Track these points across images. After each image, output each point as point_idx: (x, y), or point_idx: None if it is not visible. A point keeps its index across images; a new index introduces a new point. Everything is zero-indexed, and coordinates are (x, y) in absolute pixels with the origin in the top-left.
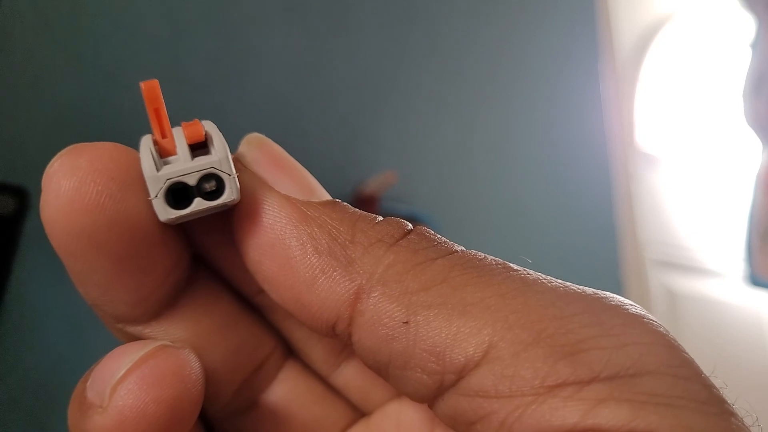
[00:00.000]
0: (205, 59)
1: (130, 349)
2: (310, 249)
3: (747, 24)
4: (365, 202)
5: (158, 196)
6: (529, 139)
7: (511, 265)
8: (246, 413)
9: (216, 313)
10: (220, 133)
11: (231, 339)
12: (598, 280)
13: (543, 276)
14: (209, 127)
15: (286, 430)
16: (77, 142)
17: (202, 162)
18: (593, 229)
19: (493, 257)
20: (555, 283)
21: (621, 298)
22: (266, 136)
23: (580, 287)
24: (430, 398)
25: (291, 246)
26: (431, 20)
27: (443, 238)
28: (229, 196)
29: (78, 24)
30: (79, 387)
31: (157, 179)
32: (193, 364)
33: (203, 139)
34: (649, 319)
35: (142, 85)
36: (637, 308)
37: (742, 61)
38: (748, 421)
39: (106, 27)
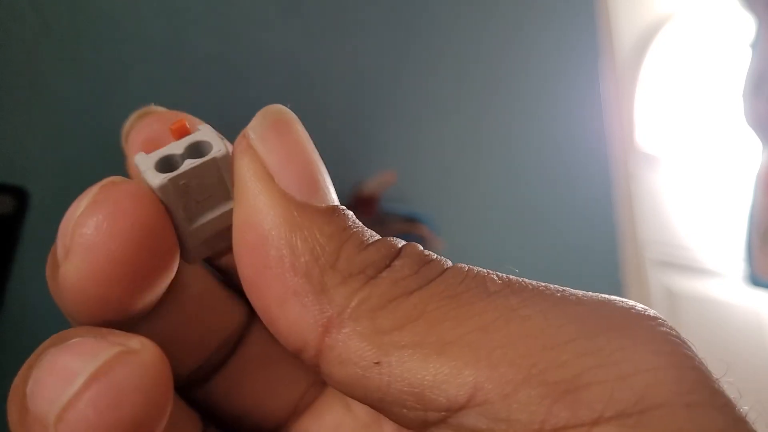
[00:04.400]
0: (205, 59)
1: (83, 354)
2: (288, 265)
3: (747, 24)
4: (365, 202)
5: (148, 167)
6: (529, 139)
7: (490, 285)
8: (208, 381)
9: (190, 288)
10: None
11: (203, 316)
12: (598, 280)
13: None
14: (192, 122)
15: (249, 391)
16: (76, 142)
17: (188, 138)
18: (593, 229)
19: (475, 274)
20: (543, 304)
21: (620, 306)
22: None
23: (574, 295)
24: (417, 429)
25: (269, 255)
26: (431, 20)
27: (432, 259)
28: (216, 150)
29: (78, 24)
30: (18, 383)
31: (146, 158)
32: (162, 373)
33: (187, 128)
34: (653, 329)
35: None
36: (636, 321)
37: (742, 61)
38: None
39: (106, 27)
